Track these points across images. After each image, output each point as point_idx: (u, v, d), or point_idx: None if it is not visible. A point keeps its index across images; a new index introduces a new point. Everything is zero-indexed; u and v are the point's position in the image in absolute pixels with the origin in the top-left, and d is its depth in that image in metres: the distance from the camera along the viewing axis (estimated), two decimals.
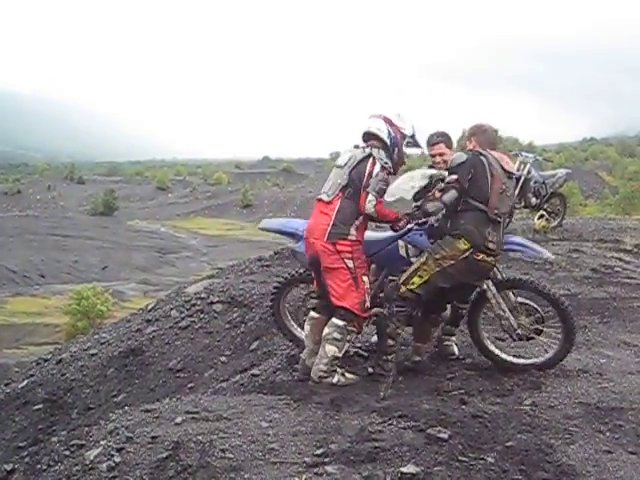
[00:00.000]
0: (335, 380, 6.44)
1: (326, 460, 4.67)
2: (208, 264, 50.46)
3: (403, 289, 6.46)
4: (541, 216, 14.16)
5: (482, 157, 6.46)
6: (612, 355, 7.24)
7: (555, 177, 14.05)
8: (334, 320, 6.45)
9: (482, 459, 4.69)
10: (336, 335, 6.42)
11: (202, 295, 10.89)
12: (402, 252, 6.87)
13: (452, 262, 6.35)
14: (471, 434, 5.06)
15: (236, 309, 10.27)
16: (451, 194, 6.37)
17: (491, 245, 6.39)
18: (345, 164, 6.57)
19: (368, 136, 6.73)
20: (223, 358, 9.33)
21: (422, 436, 4.99)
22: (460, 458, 4.67)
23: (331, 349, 6.42)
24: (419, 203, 6.60)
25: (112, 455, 4.85)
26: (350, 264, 6.44)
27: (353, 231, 6.49)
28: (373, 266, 7.02)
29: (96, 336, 12.00)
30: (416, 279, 6.42)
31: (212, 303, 10.54)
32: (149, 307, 12.23)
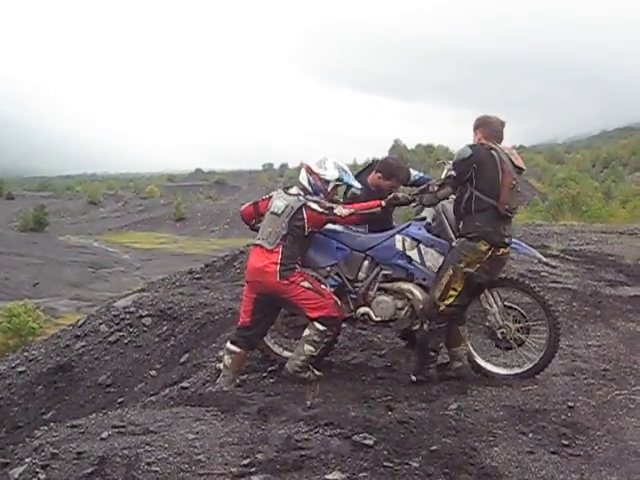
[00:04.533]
0: (307, 375, 6.88)
1: (252, 470, 4.68)
2: (141, 278, 49.84)
3: (442, 306, 6.55)
4: None
5: (493, 151, 6.52)
6: None
7: None
8: (316, 325, 6.80)
9: (407, 464, 4.74)
10: (316, 338, 6.84)
11: (131, 309, 10.76)
12: (399, 246, 6.97)
13: (478, 265, 6.48)
14: (396, 440, 5.11)
15: (165, 322, 10.18)
16: (446, 191, 6.69)
17: (507, 240, 6.61)
18: (282, 212, 6.92)
19: (299, 183, 7.13)
20: (153, 372, 9.26)
21: (348, 443, 5.02)
22: (385, 464, 4.72)
23: (309, 349, 6.86)
24: (422, 188, 6.87)
25: (37, 472, 4.77)
26: (307, 284, 6.81)
27: (297, 265, 6.89)
28: (366, 262, 7.11)
29: (25, 353, 11.78)
30: (452, 293, 6.53)
31: (141, 317, 10.43)
32: (79, 323, 12.07)
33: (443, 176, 6.81)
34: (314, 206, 6.88)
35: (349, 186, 7.32)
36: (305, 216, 6.85)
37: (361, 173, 7.83)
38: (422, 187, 6.87)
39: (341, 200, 7.35)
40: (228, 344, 7.12)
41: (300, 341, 6.96)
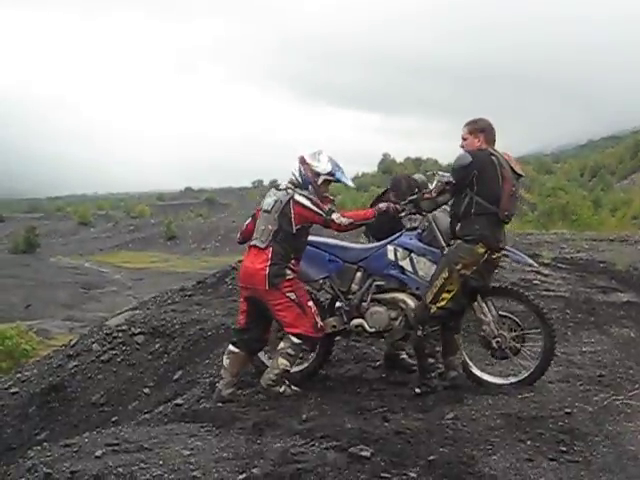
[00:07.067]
0: (282, 390, 6.83)
1: None
2: (134, 297, 49.66)
3: (434, 309, 6.52)
4: None
5: (493, 157, 6.50)
6: None
7: None
8: (291, 338, 6.74)
9: (404, 474, 4.70)
10: (290, 351, 6.76)
11: (123, 327, 10.70)
12: (391, 256, 6.97)
13: (474, 268, 6.47)
14: (393, 450, 5.06)
15: (158, 340, 10.13)
16: (445, 197, 6.69)
17: (502, 245, 6.63)
18: (272, 208, 6.87)
19: (291, 178, 7.07)
20: (146, 390, 9.20)
21: (345, 455, 4.97)
22: (382, 475, 4.67)
23: (283, 362, 6.76)
24: (412, 198, 6.82)
25: None
26: (293, 296, 6.74)
27: (289, 271, 6.77)
28: (359, 274, 7.10)
29: (17, 375, 11.71)
30: (445, 295, 6.49)
31: (134, 335, 10.37)
32: (71, 342, 11.99)
33: (434, 186, 6.77)
34: (302, 200, 6.83)
35: (338, 182, 7.18)
36: (292, 210, 6.80)
37: (385, 193, 7.77)
38: (411, 197, 6.84)
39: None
40: (229, 346, 7.07)
41: (275, 354, 6.92)
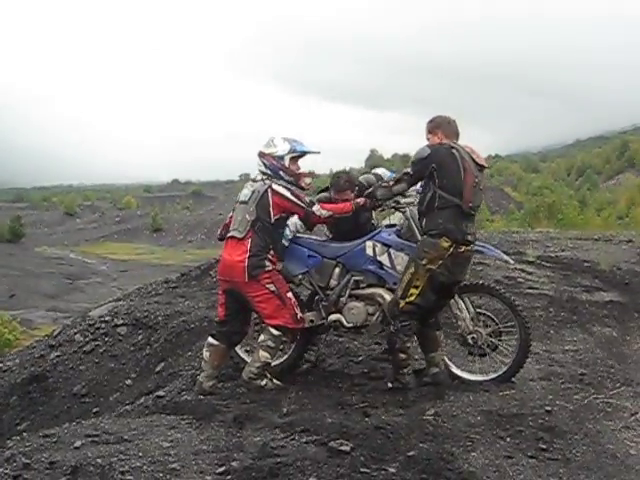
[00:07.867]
0: (263, 383, 6.83)
1: (228, 478, 4.61)
2: (118, 289, 49.52)
3: (402, 304, 6.50)
4: None
5: (454, 150, 6.49)
6: None
7: None
8: (271, 329, 6.76)
9: (384, 470, 4.69)
10: (270, 343, 6.77)
11: (106, 318, 10.67)
12: (369, 252, 6.95)
13: (440, 262, 6.41)
14: (373, 445, 5.06)
15: (141, 331, 10.10)
16: (401, 186, 6.68)
17: (470, 237, 6.54)
18: (249, 199, 6.90)
19: (261, 173, 7.06)
20: (128, 381, 9.18)
21: (324, 450, 4.97)
22: (362, 470, 4.66)
23: (264, 355, 6.77)
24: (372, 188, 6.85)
25: None
26: (272, 287, 6.75)
27: (267, 263, 6.79)
28: (337, 269, 7.10)
29: None
30: (413, 290, 6.46)
31: (117, 326, 10.35)
32: (54, 333, 11.95)
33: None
34: (281, 190, 6.86)
35: (304, 154, 7.14)
36: (270, 200, 6.82)
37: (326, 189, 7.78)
38: (378, 184, 6.89)
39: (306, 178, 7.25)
40: (209, 338, 7.07)
41: (256, 347, 6.93)
